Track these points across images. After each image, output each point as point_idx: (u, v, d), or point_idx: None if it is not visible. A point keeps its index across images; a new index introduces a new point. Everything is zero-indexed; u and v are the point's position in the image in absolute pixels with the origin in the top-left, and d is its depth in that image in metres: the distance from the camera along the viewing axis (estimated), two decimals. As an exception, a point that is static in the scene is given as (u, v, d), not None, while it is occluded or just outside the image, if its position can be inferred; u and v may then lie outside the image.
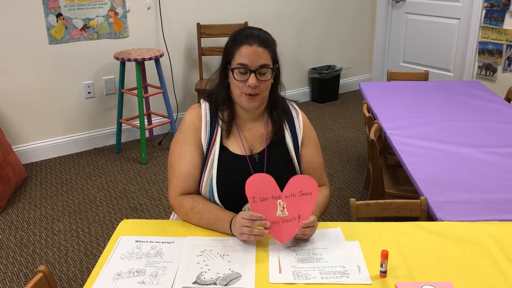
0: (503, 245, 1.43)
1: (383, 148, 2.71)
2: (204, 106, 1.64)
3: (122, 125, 3.88)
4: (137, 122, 3.80)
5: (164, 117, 3.91)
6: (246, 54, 1.50)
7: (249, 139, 1.64)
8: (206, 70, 4.20)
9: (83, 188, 3.30)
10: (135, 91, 3.65)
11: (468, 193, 1.84)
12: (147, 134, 4.08)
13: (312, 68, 5.00)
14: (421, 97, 3.03)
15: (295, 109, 1.72)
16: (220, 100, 1.61)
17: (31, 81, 3.56)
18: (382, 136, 2.61)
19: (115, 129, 3.89)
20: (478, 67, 4.35)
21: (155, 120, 4.11)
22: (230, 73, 1.54)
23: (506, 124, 2.54)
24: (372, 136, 2.37)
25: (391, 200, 1.79)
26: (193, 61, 4.25)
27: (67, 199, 3.16)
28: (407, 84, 3.34)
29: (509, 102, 3.07)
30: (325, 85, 4.97)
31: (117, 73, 3.77)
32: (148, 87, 3.87)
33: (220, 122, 1.61)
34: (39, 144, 3.73)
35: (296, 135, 1.67)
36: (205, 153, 1.60)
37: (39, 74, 3.59)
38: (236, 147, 1.62)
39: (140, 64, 3.58)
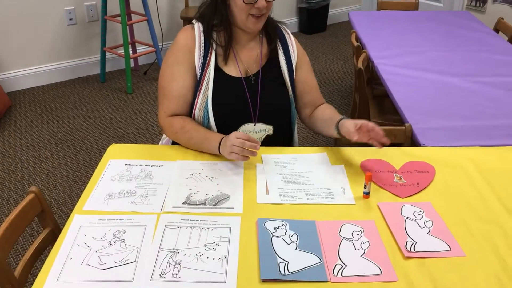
0: (482, 169, 1.48)
1: (370, 78, 2.72)
2: (198, 27, 1.58)
3: (106, 54, 3.80)
4: (121, 51, 3.72)
5: (149, 46, 3.83)
6: None
7: (244, 60, 1.62)
8: (191, -3, 4.07)
9: (68, 117, 3.28)
10: (119, 18, 3.54)
11: (451, 120, 1.88)
12: (132, 64, 4.01)
13: (300, -3, 4.87)
14: (410, 26, 3.00)
15: (286, 31, 1.69)
16: (217, 23, 1.55)
17: (10, 6, 3.42)
18: (369, 66, 2.61)
19: (99, 58, 3.81)
20: (469, -3, 4.28)
21: (140, 49, 4.02)
22: None
23: (492, 54, 2.54)
24: (359, 65, 2.36)
25: (376, 127, 1.82)
26: (178, -12, 4.11)
27: (53, 128, 3.15)
28: (397, 13, 3.29)
29: (498, 33, 3.06)
30: (313, 16, 4.87)
31: (99, -2, 3.64)
32: (132, 14, 3.75)
33: (215, 45, 1.57)
34: (21, 72, 3.65)
35: (290, 57, 1.65)
36: (198, 75, 1.58)
37: (18, -1, 3.45)
38: (231, 68, 1.60)
39: (123, -11, 3.45)
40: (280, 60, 1.64)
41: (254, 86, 1.61)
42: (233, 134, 1.43)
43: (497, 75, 2.28)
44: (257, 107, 1.60)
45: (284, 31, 1.68)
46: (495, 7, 4.09)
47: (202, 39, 1.57)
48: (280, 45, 1.65)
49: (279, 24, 1.68)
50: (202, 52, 1.57)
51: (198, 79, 1.58)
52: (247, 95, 1.58)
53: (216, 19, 1.55)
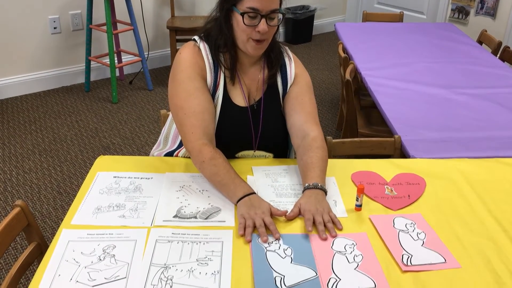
0: (471, 180, 1.49)
1: (357, 89, 2.73)
2: (204, 47, 1.51)
3: (91, 63, 3.76)
4: (106, 60, 3.68)
5: (135, 55, 3.80)
6: None
7: (248, 85, 1.57)
8: (178, 7, 4.06)
9: (52, 127, 3.23)
10: (104, 27, 3.51)
11: (439, 131, 1.89)
12: (117, 73, 3.97)
13: (286, 8, 4.89)
14: (396, 38, 3.04)
15: (288, 55, 1.61)
16: (222, 43, 1.48)
17: (-8, 14, 3.38)
18: (357, 76, 2.62)
19: (84, 67, 3.77)
20: (451, 10, 4.35)
21: (125, 58, 3.99)
22: (236, 16, 1.42)
23: (477, 66, 2.58)
24: (347, 76, 2.37)
25: (366, 139, 1.83)
26: (164, -3, 4.09)
27: (36, 138, 3.09)
28: (382, 25, 3.32)
29: (481, 44, 3.11)
30: (299, 26, 4.90)
31: (84, 7, 3.60)
32: (118, 23, 3.73)
33: (223, 68, 1.51)
34: (4, 81, 3.59)
35: (287, 83, 1.59)
36: None
37: (1, 7, 3.39)
38: (238, 95, 1.55)
39: (109, -1, 3.43)
40: (278, 85, 1.59)
41: (256, 114, 1.56)
42: (267, 207, 1.28)
43: (483, 87, 2.31)
44: (258, 135, 1.57)
45: (285, 55, 1.61)
46: (477, 19, 4.17)
47: (211, 61, 1.50)
48: (279, 71, 1.59)
49: (283, 48, 1.60)
50: (213, 74, 1.50)
51: None
52: (250, 125, 1.54)
53: (221, 40, 1.48)
